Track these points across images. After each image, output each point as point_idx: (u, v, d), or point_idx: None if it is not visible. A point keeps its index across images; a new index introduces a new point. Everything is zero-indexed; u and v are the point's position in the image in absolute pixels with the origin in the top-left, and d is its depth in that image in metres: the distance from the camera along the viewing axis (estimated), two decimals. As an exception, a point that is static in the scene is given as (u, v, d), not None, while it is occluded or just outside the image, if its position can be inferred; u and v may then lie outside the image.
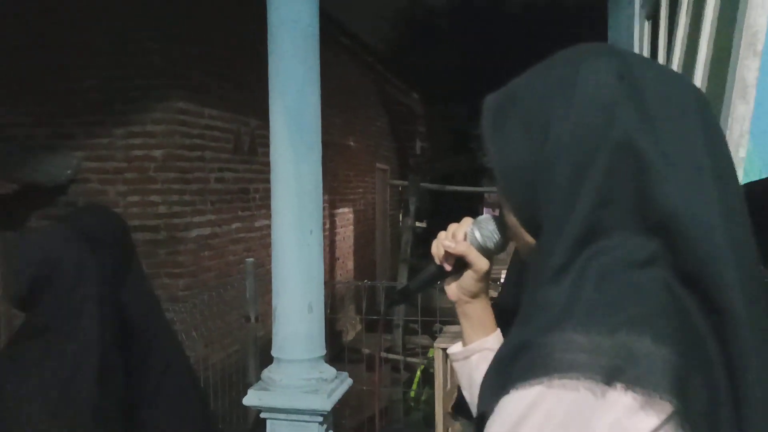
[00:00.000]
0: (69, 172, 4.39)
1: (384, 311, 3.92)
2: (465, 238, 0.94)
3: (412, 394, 5.14)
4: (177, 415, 1.83)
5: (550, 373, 0.60)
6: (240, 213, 5.26)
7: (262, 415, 2.56)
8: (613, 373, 0.58)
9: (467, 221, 0.96)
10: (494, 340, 0.99)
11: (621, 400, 0.58)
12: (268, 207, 3.20)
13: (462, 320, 1.01)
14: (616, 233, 0.67)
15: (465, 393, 1.01)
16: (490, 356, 0.97)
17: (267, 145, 3.00)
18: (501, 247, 0.93)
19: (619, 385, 0.58)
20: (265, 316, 3.86)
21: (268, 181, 3.18)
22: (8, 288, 1.67)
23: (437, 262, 0.97)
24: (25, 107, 4.46)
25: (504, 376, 0.65)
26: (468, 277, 0.96)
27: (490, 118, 0.77)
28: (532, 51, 0.81)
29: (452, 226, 0.97)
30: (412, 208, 7.05)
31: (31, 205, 4.44)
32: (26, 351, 1.65)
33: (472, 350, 0.99)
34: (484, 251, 0.94)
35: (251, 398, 2.67)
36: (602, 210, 0.67)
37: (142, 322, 1.82)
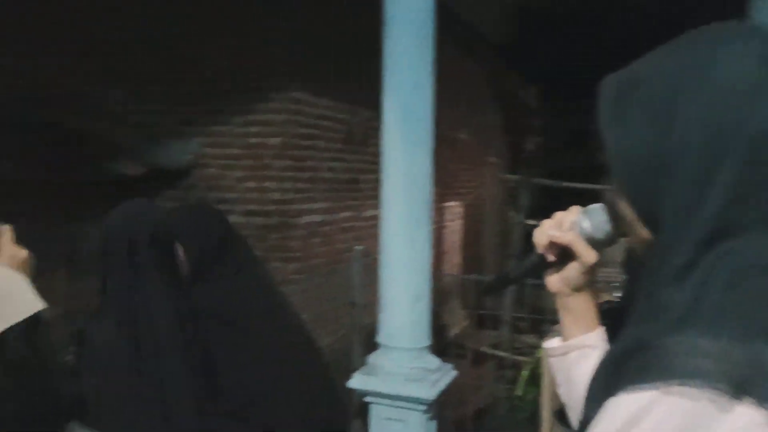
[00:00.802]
0: (191, 157, 4.61)
1: (482, 296, 3.85)
2: (572, 228, 0.90)
3: (518, 392, 5.05)
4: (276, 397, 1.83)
5: (668, 378, 0.55)
6: (349, 202, 5.33)
7: (366, 399, 2.58)
8: (742, 384, 0.53)
9: (575, 210, 0.92)
10: (596, 337, 0.95)
11: (747, 415, 0.52)
12: (377, 197, 3.23)
13: (562, 314, 0.97)
14: (749, 234, 0.60)
15: (561, 391, 0.98)
16: (590, 354, 0.93)
17: (378, 137, 3.03)
18: (611, 239, 0.89)
19: (747, 399, 0.52)
20: (371, 304, 3.90)
21: (377, 171, 3.20)
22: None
23: (539, 251, 0.93)
24: (154, 96, 4.71)
25: (614, 376, 0.61)
26: (572, 269, 0.92)
27: (608, 102, 0.72)
28: (660, 41, 0.74)
29: (559, 214, 0.93)
30: (523, 203, 6.91)
31: (156, 187, 4.69)
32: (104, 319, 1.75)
33: (572, 346, 0.95)
34: (593, 242, 0.90)
35: (356, 382, 2.71)
36: (735, 207, 0.61)
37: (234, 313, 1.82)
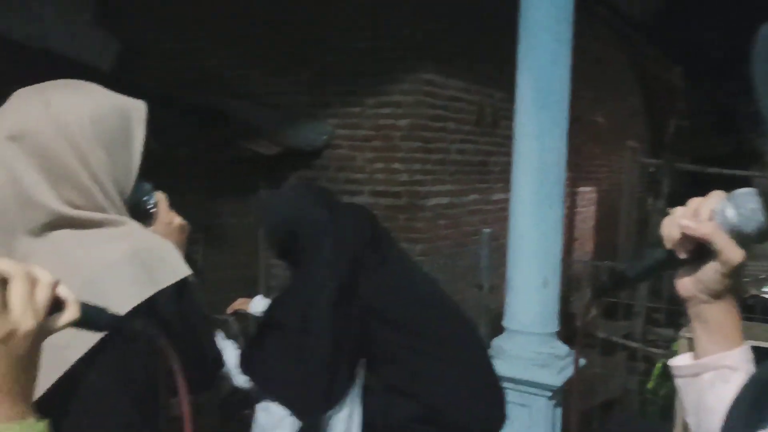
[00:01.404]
0: (324, 138, 4.72)
1: (591, 301, 3.69)
2: (712, 218, 0.73)
3: (650, 385, 4.83)
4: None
5: None
6: (478, 185, 5.27)
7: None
8: None
9: (717, 196, 0.74)
10: (738, 356, 0.76)
11: None
12: (506, 180, 3.17)
13: (696, 325, 0.80)
14: None
15: (689, 419, 0.81)
16: (730, 377, 0.75)
17: (510, 118, 2.96)
18: (763, 233, 0.71)
19: None
20: (497, 287, 3.85)
21: (508, 154, 3.14)
22: (267, 239, 1.86)
23: (668, 246, 0.76)
24: (289, 77, 4.86)
25: (761, 408, 0.51)
26: (710, 270, 0.74)
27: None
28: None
29: (695, 201, 0.75)
30: (663, 190, 6.55)
31: (290, 166, 4.85)
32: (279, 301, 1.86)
33: (706, 366, 0.78)
34: (738, 237, 0.72)
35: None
36: None
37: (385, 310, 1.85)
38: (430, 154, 4.63)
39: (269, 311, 1.85)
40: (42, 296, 0.65)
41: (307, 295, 1.76)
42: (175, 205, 1.36)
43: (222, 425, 3.19)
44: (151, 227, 1.28)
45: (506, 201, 3.00)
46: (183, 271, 1.15)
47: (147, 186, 1.27)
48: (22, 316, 0.63)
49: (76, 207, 1.09)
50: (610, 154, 8.24)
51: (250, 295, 2.36)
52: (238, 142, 4.48)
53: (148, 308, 1.06)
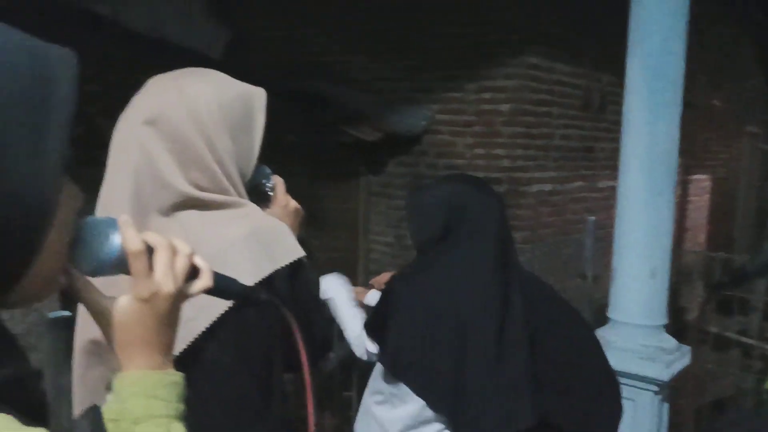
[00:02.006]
0: (424, 123, 4.71)
1: (708, 298, 3.52)
2: None
3: (767, 386, 4.57)
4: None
5: None
6: (583, 172, 5.12)
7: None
8: None
9: None
10: None
11: None
12: (613, 167, 3.05)
13: None
14: None
15: None
16: None
17: (618, 103, 2.85)
18: None
19: None
20: (601, 277, 3.74)
21: (615, 140, 3.03)
22: (419, 232, 1.87)
23: None
24: (391, 63, 4.88)
25: None
26: None
27: None
28: None
29: None
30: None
31: (390, 152, 4.87)
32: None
33: None
34: None
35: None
36: None
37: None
38: (533, 140, 4.54)
39: (409, 290, 1.81)
40: (181, 264, 0.75)
41: (470, 273, 1.75)
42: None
43: (321, 405, 3.27)
44: (268, 209, 1.33)
45: (613, 188, 2.90)
46: (298, 251, 1.20)
47: (266, 170, 1.33)
48: (164, 279, 0.72)
49: (202, 189, 1.15)
50: (727, 140, 7.80)
51: (352, 279, 2.40)
52: (339, 127, 4.54)
53: (265, 286, 1.11)
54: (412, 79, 4.80)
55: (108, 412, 0.70)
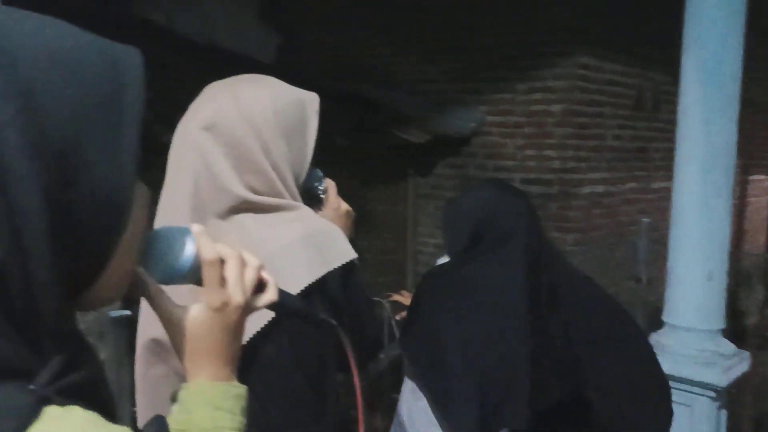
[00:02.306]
0: (473, 125, 4.69)
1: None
2: None
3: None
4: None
5: None
6: (636, 173, 5.03)
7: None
8: None
9: None
10: None
11: None
12: (667, 168, 2.99)
13: None
14: None
15: None
16: None
17: (672, 102, 2.79)
18: None
19: None
20: (656, 280, 3.65)
21: (669, 140, 2.96)
22: (450, 243, 1.88)
23: None
24: (440, 65, 4.87)
25: None
26: None
27: None
28: None
29: None
30: None
31: (439, 154, 4.87)
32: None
33: None
34: None
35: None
36: None
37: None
38: (585, 141, 4.47)
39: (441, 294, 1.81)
40: (250, 276, 0.75)
41: (501, 276, 1.74)
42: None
43: (369, 406, 3.28)
44: (321, 212, 1.35)
45: (667, 189, 2.84)
46: (350, 254, 1.22)
47: (319, 173, 1.35)
48: (234, 291, 0.72)
49: (258, 193, 1.18)
50: (788, 140, 7.55)
51: (400, 281, 2.40)
52: (388, 130, 4.56)
53: (318, 287, 1.14)
54: (462, 80, 4.78)
55: (174, 422, 0.70)
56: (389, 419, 3.27)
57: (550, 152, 4.44)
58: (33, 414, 0.47)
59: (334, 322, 0.89)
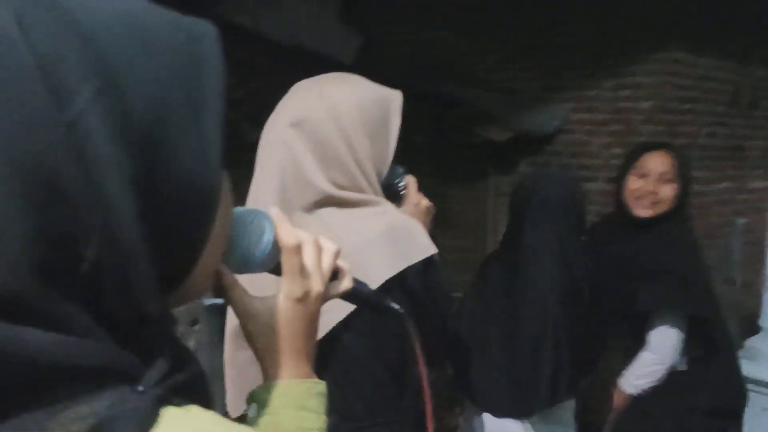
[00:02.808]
0: (557, 123, 4.59)
1: None
2: None
3: None
4: None
5: None
6: (730, 172, 4.79)
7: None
8: None
9: None
10: None
11: None
12: (766, 167, 2.84)
13: None
14: None
15: None
16: None
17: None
18: None
19: None
20: (751, 283, 3.48)
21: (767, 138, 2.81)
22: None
23: None
24: (522, 62, 4.80)
25: None
26: None
27: None
28: None
29: None
30: None
31: (521, 152, 4.79)
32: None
33: None
34: None
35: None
36: None
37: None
38: (675, 139, 4.30)
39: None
40: (327, 262, 0.70)
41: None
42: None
43: (449, 402, 3.26)
44: (401, 208, 1.37)
45: (765, 190, 2.70)
46: (430, 249, 1.24)
47: (400, 169, 1.38)
48: (314, 278, 0.68)
49: (341, 188, 1.22)
50: None
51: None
52: (469, 128, 4.52)
53: (398, 281, 1.16)
54: (545, 77, 4.69)
55: (260, 426, 0.65)
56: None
57: (637, 151, 4.29)
58: (152, 416, 0.44)
59: (401, 310, 0.89)
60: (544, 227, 1.87)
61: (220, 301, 0.73)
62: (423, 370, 0.91)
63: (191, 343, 1.91)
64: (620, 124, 4.36)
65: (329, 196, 1.20)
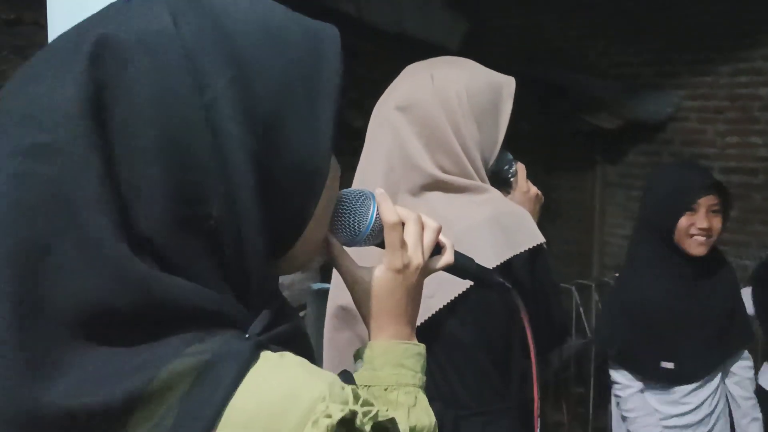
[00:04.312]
0: (670, 110, 4.42)
1: None
2: None
3: None
4: None
5: None
6: None
7: None
8: None
9: None
10: None
11: None
12: None
13: None
14: None
15: None
16: None
17: None
18: None
19: None
20: None
21: None
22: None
23: None
24: (633, 47, 4.63)
25: None
26: None
27: None
28: None
29: None
30: None
31: (631, 140, 4.64)
32: None
33: None
34: None
35: None
36: None
37: None
38: (795, 127, 4.06)
39: None
40: (429, 238, 0.76)
41: None
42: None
43: (554, 398, 3.22)
44: (510, 195, 1.37)
45: None
46: (538, 237, 1.22)
47: (509, 156, 1.36)
48: (414, 252, 0.74)
49: (447, 172, 1.22)
50: None
51: (584, 273, 2.39)
52: (578, 115, 4.42)
53: (504, 269, 1.15)
54: (657, 63, 4.51)
55: (360, 378, 0.72)
56: (571, 413, 3.19)
57: (755, 139, 4.08)
58: (253, 357, 0.52)
59: (509, 285, 0.89)
60: None
61: (327, 285, 0.79)
62: (533, 351, 0.89)
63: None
64: (737, 111, 4.15)
65: (436, 180, 1.20)
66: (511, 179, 1.37)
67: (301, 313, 2.08)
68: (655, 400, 1.89)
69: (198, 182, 0.53)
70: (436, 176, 1.20)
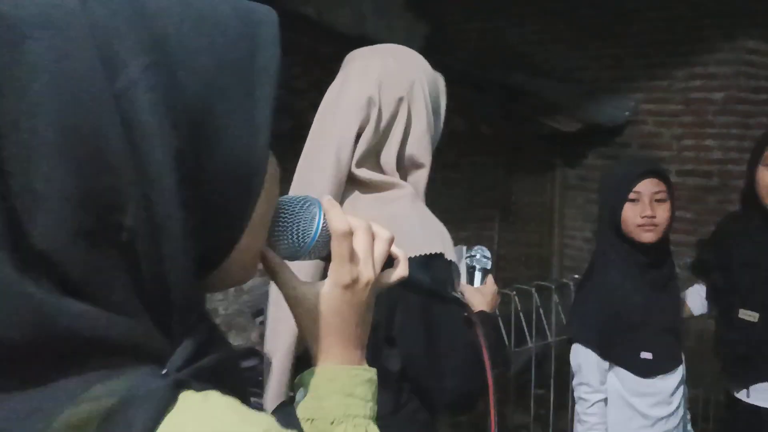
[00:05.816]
0: (627, 113, 4.50)
1: None
2: None
3: None
4: None
5: None
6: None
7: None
8: None
9: None
10: None
11: None
12: None
13: None
14: None
15: None
16: None
17: None
18: None
19: None
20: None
21: None
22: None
23: None
24: (592, 52, 4.70)
25: None
26: None
27: None
28: None
29: None
30: None
31: (590, 143, 4.71)
32: None
33: None
34: None
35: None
36: None
37: None
38: (749, 130, 4.15)
39: None
40: (380, 250, 0.67)
41: None
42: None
43: (518, 397, 3.24)
44: (475, 287, 1.38)
45: None
46: (430, 247, 1.13)
47: (487, 252, 1.43)
48: (365, 265, 0.65)
49: (370, 169, 1.20)
50: None
51: (544, 275, 2.40)
52: (537, 118, 4.47)
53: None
54: (615, 67, 4.59)
55: (304, 410, 0.64)
56: (530, 415, 3.21)
57: (710, 142, 4.18)
58: (170, 399, 0.43)
59: (464, 300, 0.87)
60: None
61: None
62: (488, 365, 0.84)
63: (254, 335, 1.91)
64: (692, 115, 4.24)
65: (356, 178, 1.18)
66: (487, 275, 1.38)
67: (259, 320, 2.02)
68: (642, 404, 1.88)
69: (107, 185, 0.43)
70: (356, 174, 1.18)
